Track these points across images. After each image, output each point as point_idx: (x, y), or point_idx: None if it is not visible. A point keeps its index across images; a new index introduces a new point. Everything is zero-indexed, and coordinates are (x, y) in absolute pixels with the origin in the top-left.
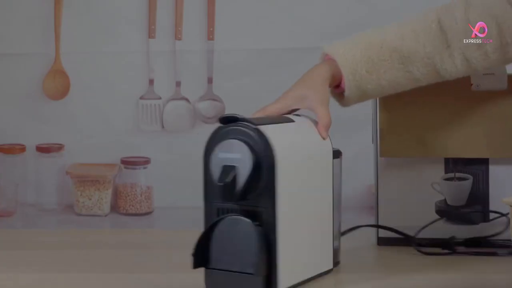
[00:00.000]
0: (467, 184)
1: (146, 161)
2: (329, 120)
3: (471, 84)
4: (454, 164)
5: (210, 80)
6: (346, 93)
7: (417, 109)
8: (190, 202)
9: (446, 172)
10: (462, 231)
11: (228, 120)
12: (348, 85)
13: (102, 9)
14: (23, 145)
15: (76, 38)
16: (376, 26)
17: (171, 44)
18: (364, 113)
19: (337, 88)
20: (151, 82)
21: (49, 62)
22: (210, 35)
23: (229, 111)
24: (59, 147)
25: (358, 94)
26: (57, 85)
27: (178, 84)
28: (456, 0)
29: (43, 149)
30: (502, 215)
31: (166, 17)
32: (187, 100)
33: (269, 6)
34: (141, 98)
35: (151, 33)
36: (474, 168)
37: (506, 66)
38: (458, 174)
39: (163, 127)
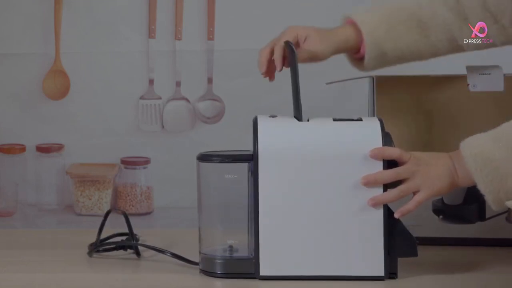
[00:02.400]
0: None
1: (146, 161)
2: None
3: (468, 84)
4: None
5: (210, 80)
6: (366, 52)
7: (414, 110)
8: (190, 202)
9: None
10: (459, 230)
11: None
12: (367, 43)
13: (102, 9)
14: (23, 145)
15: (76, 38)
16: None
17: (171, 44)
18: (361, 114)
19: (357, 54)
20: (151, 82)
21: (49, 62)
22: (210, 35)
23: (229, 111)
24: (59, 147)
25: (377, 54)
26: (57, 85)
27: (178, 84)
28: None
29: (43, 149)
30: (499, 214)
31: (166, 17)
32: (187, 100)
33: (269, 6)
34: (141, 98)
35: (151, 33)
36: None
37: (502, 67)
38: None
39: (163, 127)
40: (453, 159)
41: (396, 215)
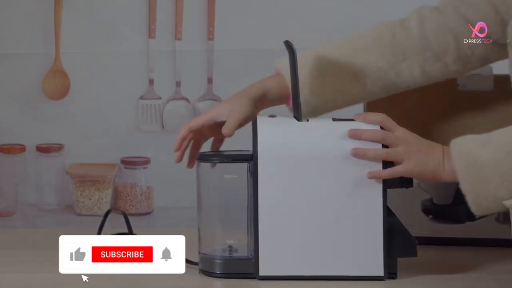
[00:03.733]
0: (453, 183)
1: (146, 161)
2: (229, 132)
3: (458, 84)
4: None
5: (210, 80)
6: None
7: (403, 109)
8: (190, 202)
9: None
10: (448, 230)
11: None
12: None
13: (102, 9)
14: (23, 145)
15: (76, 38)
16: (331, 41)
17: (171, 44)
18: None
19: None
20: (151, 82)
21: (49, 62)
22: (210, 35)
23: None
24: (59, 147)
25: (308, 109)
26: (57, 85)
27: (178, 84)
28: (409, 15)
29: (43, 149)
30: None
31: (166, 17)
32: (187, 100)
33: (269, 6)
34: (141, 98)
35: (151, 33)
36: None
37: (492, 66)
38: None
39: (163, 127)
40: (444, 152)
41: (368, 175)
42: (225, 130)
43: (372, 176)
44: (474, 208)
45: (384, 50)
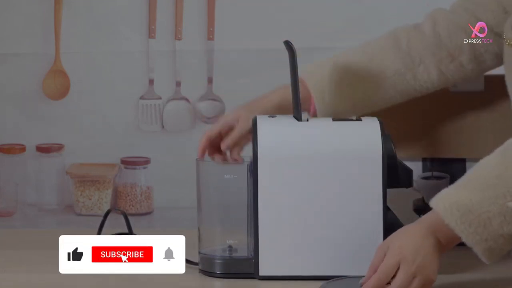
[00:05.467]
0: (445, 183)
1: (146, 161)
2: (223, 147)
3: None
4: (431, 163)
5: (210, 80)
6: (318, 114)
7: (394, 109)
8: (190, 202)
9: (423, 171)
10: None
11: None
12: (318, 107)
13: (102, 9)
14: (23, 145)
15: (76, 38)
16: (349, 48)
17: (171, 44)
18: None
19: (310, 110)
20: (151, 82)
21: (49, 62)
22: (210, 35)
23: (229, 111)
24: (59, 147)
25: (329, 114)
26: (57, 85)
27: (178, 84)
28: (423, 19)
29: (43, 149)
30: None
31: (166, 17)
32: (187, 100)
33: (269, 6)
34: (141, 98)
35: (151, 33)
36: (451, 167)
37: None
38: (435, 173)
39: (163, 127)
40: (431, 227)
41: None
42: (222, 145)
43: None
44: (487, 258)
45: (401, 54)
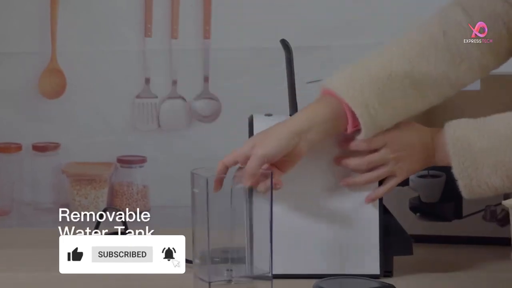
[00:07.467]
0: (441, 181)
1: (142, 160)
2: (251, 171)
3: None
4: None
5: (206, 79)
6: (364, 129)
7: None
8: (186, 201)
9: None
10: (435, 228)
11: None
12: (363, 121)
13: (98, 7)
14: (19, 144)
15: (72, 36)
16: (376, 52)
17: (167, 43)
18: None
19: (346, 129)
20: (147, 80)
21: (45, 61)
22: (206, 34)
23: (225, 110)
24: (55, 146)
25: (374, 130)
26: (53, 84)
27: (174, 82)
28: (448, 8)
29: (39, 148)
30: (475, 212)
31: (162, 16)
32: (183, 98)
33: (266, 5)
34: (137, 97)
35: (147, 32)
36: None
37: None
38: (431, 172)
39: (159, 125)
40: (434, 138)
41: (366, 201)
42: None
43: (371, 199)
44: (465, 193)
45: (441, 53)
